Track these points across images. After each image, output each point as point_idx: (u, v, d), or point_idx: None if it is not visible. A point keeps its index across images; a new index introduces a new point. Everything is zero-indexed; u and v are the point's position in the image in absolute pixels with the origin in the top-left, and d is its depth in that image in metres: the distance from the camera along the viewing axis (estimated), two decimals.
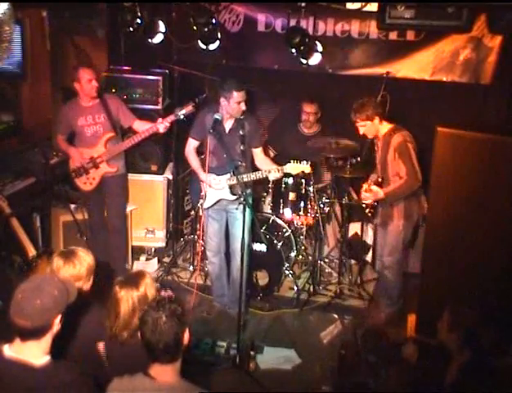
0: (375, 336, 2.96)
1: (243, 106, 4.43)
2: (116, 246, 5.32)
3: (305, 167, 4.45)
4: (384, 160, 4.56)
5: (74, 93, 4.98)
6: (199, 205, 4.86)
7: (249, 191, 4.63)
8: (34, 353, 2.38)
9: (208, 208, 4.70)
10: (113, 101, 5.03)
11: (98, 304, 3.11)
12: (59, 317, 2.41)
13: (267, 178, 4.51)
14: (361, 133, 4.61)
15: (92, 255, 3.17)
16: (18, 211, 4.41)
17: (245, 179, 4.43)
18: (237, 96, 4.37)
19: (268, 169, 4.48)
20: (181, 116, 4.71)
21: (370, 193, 4.58)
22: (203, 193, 4.68)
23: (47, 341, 2.40)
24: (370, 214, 4.77)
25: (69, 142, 5.08)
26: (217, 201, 4.66)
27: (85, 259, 3.06)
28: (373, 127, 4.53)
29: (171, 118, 4.77)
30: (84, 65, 5.01)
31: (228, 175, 4.52)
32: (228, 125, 4.56)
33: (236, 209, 4.55)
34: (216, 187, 4.59)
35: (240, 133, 4.51)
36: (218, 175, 4.58)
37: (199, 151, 4.78)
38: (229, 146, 4.45)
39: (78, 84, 4.85)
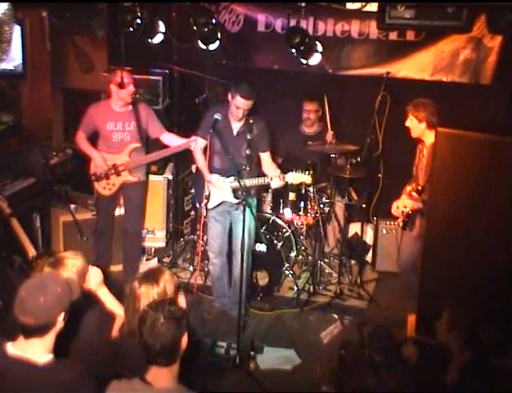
0: (382, 335, 2.95)
1: (240, 114, 4.40)
2: (131, 251, 5.32)
3: (306, 178, 4.45)
4: (428, 167, 4.43)
5: (74, 94, 4.97)
6: (202, 204, 4.86)
7: (252, 192, 4.63)
8: (38, 351, 2.39)
9: (212, 209, 4.69)
10: (144, 110, 5.00)
11: (96, 304, 3.12)
12: (62, 314, 2.42)
13: (268, 184, 4.52)
14: (406, 124, 4.56)
15: (92, 255, 3.16)
16: (18, 211, 4.40)
17: (248, 184, 4.42)
18: (239, 101, 4.34)
19: (271, 176, 4.47)
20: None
21: (411, 200, 4.49)
22: (207, 193, 4.68)
23: (50, 338, 2.41)
24: (402, 224, 4.66)
25: (91, 143, 5.01)
26: (221, 203, 4.65)
27: (73, 265, 2.97)
28: (418, 128, 4.50)
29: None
30: (122, 66, 4.92)
31: (232, 178, 4.50)
32: (236, 127, 4.53)
33: (239, 210, 4.54)
34: (219, 188, 4.57)
35: (248, 136, 4.49)
36: (222, 176, 4.56)
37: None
38: (235, 148, 4.44)
39: (114, 87, 4.81)
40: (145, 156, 5.02)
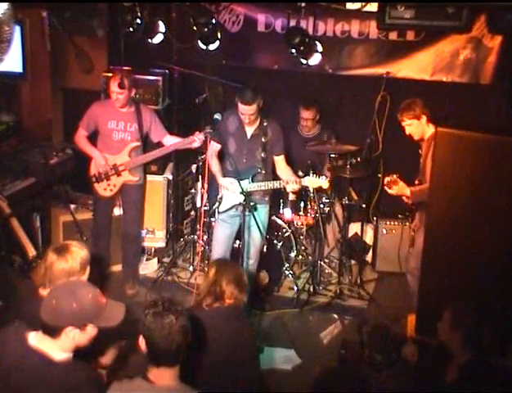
0: (383, 335, 2.94)
1: (246, 119, 4.38)
2: (130, 253, 5.31)
3: (323, 182, 4.44)
4: (424, 163, 4.43)
5: (74, 94, 4.98)
6: (214, 207, 4.85)
7: (266, 198, 4.61)
8: (53, 348, 2.41)
9: (224, 212, 4.67)
10: (147, 114, 4.98)
11: None
12: (74, 330, 2.39)
13: (284, 188, 4.49)
14: (407, 132, 4.48)
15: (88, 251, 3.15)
16: (18, 211, 4.41)
17: (263, 187, 4.40)
18: (240, 107, 4.33)
19: (287, 179, 4.44)
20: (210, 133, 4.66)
21: (396, 186, 4.45)
22: (220, 196, 4.67)
23: (63, 341, 2.41)
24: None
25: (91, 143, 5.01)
26: (233, 206, 4.62)
27: (78, 254, 3.02)
28: (420, 127, 4.41)
29: (202, 136, 4.70)
30: (117, 71, 4.92)
31: (246, 181, 4.44)
32: (250, 131, 4.51)
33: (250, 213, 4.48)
34: (232, 192, 4.53)
35: (262, 139, 4.47)
36: (235, 180, 4.48)
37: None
38: (249, 151, 4.43)
39: (108, 89, 4.84)
40: (145, 155, 5.01)
